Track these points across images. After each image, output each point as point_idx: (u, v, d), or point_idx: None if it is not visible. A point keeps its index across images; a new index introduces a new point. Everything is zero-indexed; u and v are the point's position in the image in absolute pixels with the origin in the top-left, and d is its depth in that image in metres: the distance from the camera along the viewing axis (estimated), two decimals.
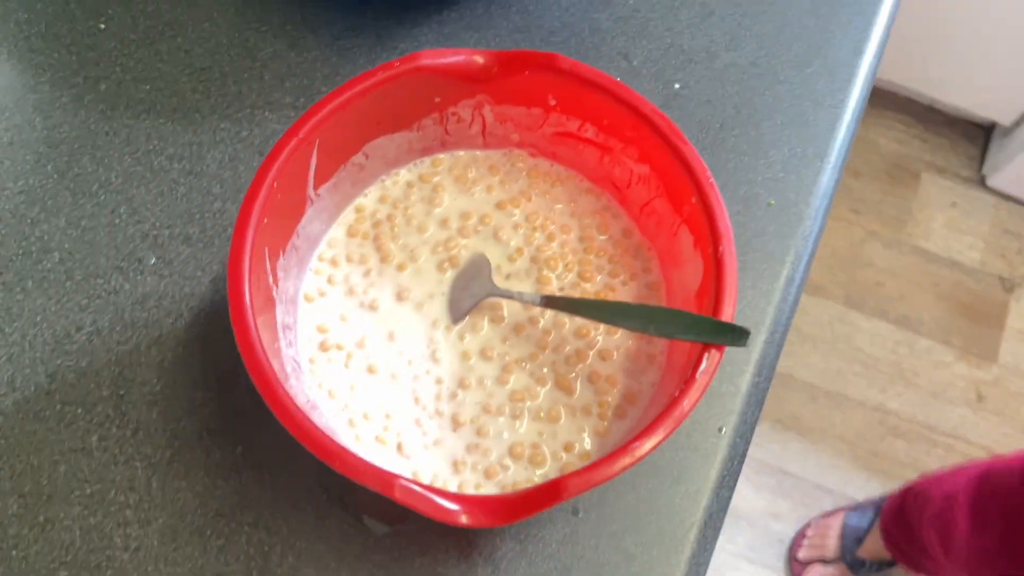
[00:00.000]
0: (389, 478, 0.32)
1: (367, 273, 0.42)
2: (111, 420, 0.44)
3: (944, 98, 1.45)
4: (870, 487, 1.28)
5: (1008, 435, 1.33)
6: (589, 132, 0.42)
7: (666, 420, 0.33)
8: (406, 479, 0.32)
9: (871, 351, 1.37)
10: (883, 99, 1.53)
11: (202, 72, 0.51)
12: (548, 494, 0.32)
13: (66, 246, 0.47)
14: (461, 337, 0.41)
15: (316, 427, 0.32)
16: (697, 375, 0.34)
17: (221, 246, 0.47)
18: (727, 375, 0.45)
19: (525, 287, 0.42)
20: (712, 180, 0.37)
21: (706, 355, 0.34)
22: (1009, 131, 1.43)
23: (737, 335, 0.33)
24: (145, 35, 0.52)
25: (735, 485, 0.45)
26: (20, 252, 0.47)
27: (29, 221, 0.47)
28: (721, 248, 0.35)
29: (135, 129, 0.50)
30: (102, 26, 0.52)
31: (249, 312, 0.33)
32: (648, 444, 0.32)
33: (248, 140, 0.50)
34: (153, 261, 0.47)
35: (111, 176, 0.49)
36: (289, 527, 0.42)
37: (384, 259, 0.42)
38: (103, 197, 0.48)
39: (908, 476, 1.29)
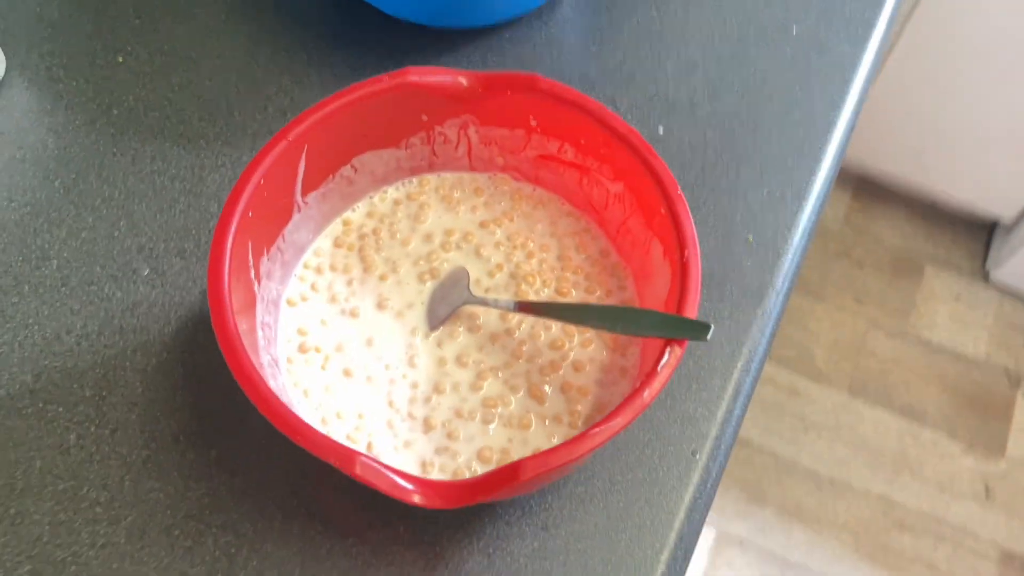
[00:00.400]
0: (351, 454, 0.32)
1: (350, 282, 0.44)
2: (91, 420, 0.44)
3: (946, 194, 1.47)
4: None
5: (1018, 531, 1.29)
6: (568, 153, 0.43)
7: (625, 409, 0.33)
8: (367, 456, 0.32)
9: (875, 440, 1.36)
10: (886, 195, 1.56)
11: (209, 103, 0.54)
12: (503, 476, 0.32)
13: (64, 255, 0.49)
14: (439, 344, 0.42)
15: (280, 401, 0.33)
16: (659, 368, 0.34)
17: None
18: (702, 400, 0.46)
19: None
20: (680, 191, 0.39)
21: (668, 349, 0.35)
22: (1011, 227, 1.45)
23: (699, 329, 0.34)
24: (160, 69, 0.55)
25: (708, 509, 0.45)
26: (20, 259, 0.48)
27: (32, 231, 0.49)
28: (687, 252, 0.37)
29: (141, 152, 0.52)
30: (120, 59, 0.55)
31: (226, 283, 0.34)
32: (606, 431, 0.33)
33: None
34: (147, 272, 0.48)
35: (114, 192, 0.51)
36: (256, 531, 0.42)
37: (367, 269, 0.44)
38: (104, 211, 0.50)
39: (915, 571, 1.26)
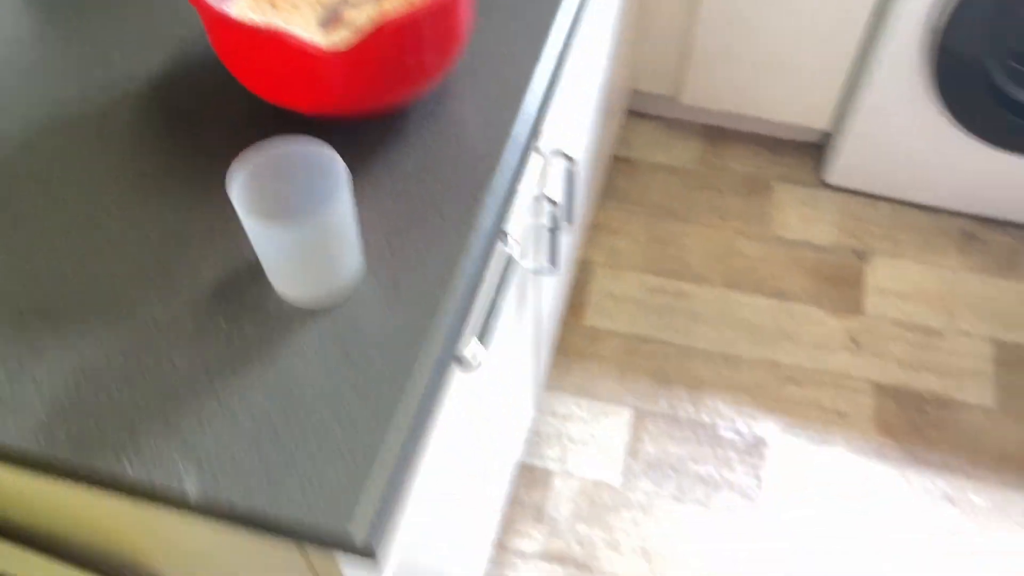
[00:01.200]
0: (277, 30, 0.52)
1: (264, 12, 0.64)
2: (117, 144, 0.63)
3: (776, 119, 1.75)
4: (782, 425, 1.44)
5: (887, 369, 1.51)
6: None
7: None
8: (287, 30, 0.52)
9: (755, 320, 1.57)
10: (730, 136, 1.84)
11: None
12: (371, 34, 0.53)
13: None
14: (326, 36, 0.63)
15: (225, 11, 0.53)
16: None
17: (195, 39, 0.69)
18: (488, 139, 0.67)
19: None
20: None
21: None
22: (831, 134, 1.73)
23: None
24: None
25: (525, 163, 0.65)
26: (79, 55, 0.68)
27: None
28: None
29: None
30: None
31: None
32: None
33: None
34: (118, 57, 0.68)
35: (88, 24, 0.71)
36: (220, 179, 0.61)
37: (275, 6, 0.65)
38: (85, 31, 0.70)
39: (807, 412, 1.46)
